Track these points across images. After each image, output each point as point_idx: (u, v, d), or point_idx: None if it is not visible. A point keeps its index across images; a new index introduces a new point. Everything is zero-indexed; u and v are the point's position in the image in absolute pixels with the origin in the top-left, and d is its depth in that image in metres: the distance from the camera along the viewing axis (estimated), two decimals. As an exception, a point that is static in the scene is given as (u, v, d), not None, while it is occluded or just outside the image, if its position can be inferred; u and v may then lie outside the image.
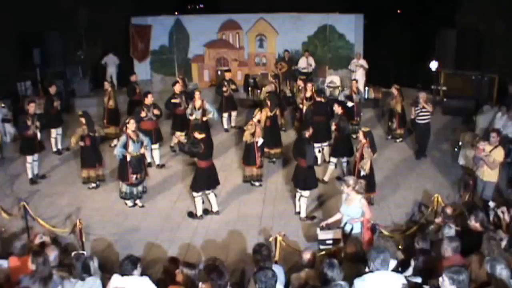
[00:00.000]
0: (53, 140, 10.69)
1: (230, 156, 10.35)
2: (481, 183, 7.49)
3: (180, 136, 9.73)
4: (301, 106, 10.56)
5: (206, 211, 7.90)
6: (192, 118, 9.71)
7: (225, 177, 9.26)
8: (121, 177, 7.97)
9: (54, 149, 10.72)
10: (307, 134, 7.62)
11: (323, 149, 9.75)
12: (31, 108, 9.05)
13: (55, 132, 10.69)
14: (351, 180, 6.00)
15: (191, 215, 7.85)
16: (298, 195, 7.82)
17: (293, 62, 13.96)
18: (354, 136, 10.84)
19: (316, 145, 9.01)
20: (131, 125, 7.80)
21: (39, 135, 9.18)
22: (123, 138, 7.76)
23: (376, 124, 12.15)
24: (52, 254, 4.92)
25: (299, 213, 7.85)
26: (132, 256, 4.51)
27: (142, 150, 7.97)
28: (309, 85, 10.59)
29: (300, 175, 7.65)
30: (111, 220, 7.82)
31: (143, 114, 9.20)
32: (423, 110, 9.78)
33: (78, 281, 4.49)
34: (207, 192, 7.78)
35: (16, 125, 10.21)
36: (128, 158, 7.75)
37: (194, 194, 7.71)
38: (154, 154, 9.73)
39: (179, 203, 8.35)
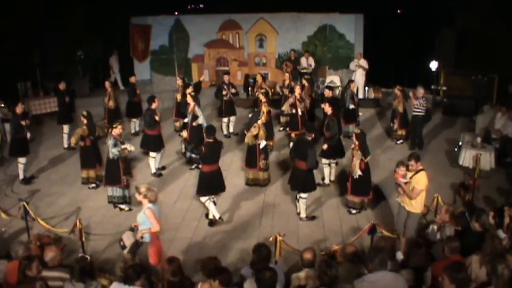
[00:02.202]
0: (65, 136, 10.82)
1: (230, 156, 10.35)
2: (403, 210, 6.60)
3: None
4: (294, 110, 10.19)
5: (211, 222, 7.70)
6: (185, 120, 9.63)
7: (224, 176, 9.24)
8: (113, 181, 7.80)
9: (65, 145, 10.85)
10: (310, 137, 7.58)
11: None
12: (19, 108, 9.07)
13: (67, 128, 10.84)
14: (142, 187, 5.73)
15: (212, 223, 7.60)
16: (298, 196, 7.81)
17: (297, 62, 13.96)
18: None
19: None
20: (118, 130, 7.69)
21: (28, 135, 9.21)
22: (112, 139, 7.61)
23: (376, 124, 12.15)
24: (52, 254, 4.92)
25: (299, 213, 7.85)
26: (138, 265, 4.45)
27: (127, 152, 7.84)
28: (297, 87, 10.40)
29: (299, 177, 7.61)
30: (111, 220, 7.82)
31: (157, 118, 9.13)
32: (415, 104, 10.29)
33: (80, 284, 4.45)
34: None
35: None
36: (129, 148, 7.71)
37: (202, 199, 7.54)
38: (150, 162, 9.48)
39: (179, 203, 8.35)
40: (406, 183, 6.32)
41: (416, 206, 6.42)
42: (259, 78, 11.46)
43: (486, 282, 4.28)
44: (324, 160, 8.83)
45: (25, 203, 7.09)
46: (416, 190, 6.27)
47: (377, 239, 6.22)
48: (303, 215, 7.75)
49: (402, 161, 6.58)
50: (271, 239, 6.25)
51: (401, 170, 6.39)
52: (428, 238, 5.90)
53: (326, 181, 8.91)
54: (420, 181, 6.26)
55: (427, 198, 6.63)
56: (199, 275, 5.38)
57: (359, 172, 7.49)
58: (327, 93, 10.47)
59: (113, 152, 7.61)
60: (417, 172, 6.30)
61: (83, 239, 6.67)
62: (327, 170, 8.92)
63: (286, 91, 11.39)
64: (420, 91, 10.28)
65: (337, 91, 13.40)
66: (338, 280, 4.15)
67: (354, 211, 7.87)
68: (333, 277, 4.09)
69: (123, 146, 7.63)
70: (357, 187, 7.67)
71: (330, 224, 7.60)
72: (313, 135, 7.68)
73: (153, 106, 9.14)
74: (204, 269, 4.59)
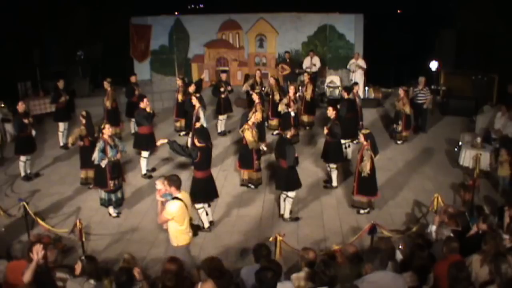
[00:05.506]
0: (60, 134, 10.83)
1: (230, 156, 10.35)
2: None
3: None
4: (290, 109, 10.08)
5: (197, 227, 7.48)
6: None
7: (225, 177, 9.27)
8: (100, 184, 7.74)
9: (61, 144, 10.87)
10: (288, 134, 7.62)
11: (349, 146, 9.76)
12: (21, 107, 9.08)
13: (63, 126, 10.83)
14: None
15: (198, 228, 7.44)
16: (282, 197, 7.74)
17: (295, 64, 13.93)
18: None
19: (343, 141, 9.25)
20: (107, 130, 7.60)
21: (34, 133, 9.19)
22: (100, 143, 7.52)
23: (377, 124, 12.13)
24: (50, 255, 4.91)
25: (283, 215, 7.78)
26: (128, 269, 4.38)
27: (118, 156, 7.71)
28: (291, 88, 10.39)
29: (281, 176, 7.61)
30: (111, 220, 7.82)
31: (149, 109, 9.11)
32: (421, 91, 11.26)
33: (88, 284, 4.42)
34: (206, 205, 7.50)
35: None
36: (105, 164, 7.48)
37: (197, 206, 7.37)
38: (142, 162, 9.40)
39: (179, 203, 8.34)
40: (162, 203, 5.56)
41: (172, 237, 5.56)
42: (272, 82, 11.41)
43: (488, 281, 4.29)
44: (332, 165, 8.80)
45: (25, 203, 7.09)
46: (161, 217, 5.49)
47: (376, 239, 6.21)
48: (286, 215, 7.72)
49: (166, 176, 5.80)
50: (271, 239, 6.27)
51: (158, 186, 5.71)
52: (428, 239, 5.91)
53: (334, 184, 8.87)
54: (168, 208, 5.38)
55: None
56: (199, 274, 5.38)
57: (367, 171, 7.47)
58: (344, 94, 10.14)
59: (97, 155, 7.49)
60: (173, 198, 5.49)
61: (83, 239, 6.67)
62: (335, 174, 8.85)
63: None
64: (422, 80, 11.32)
65: (337, 91, 13.40)
66: (337, 279, 4.14)
67: (362, 211, 7.83)
68: (331, 277, 4.08)
69: (102, 162, 7.47)
70: (364, 187, 7.65)
71: (330, 224, 7.60)
72: (292, 132, 7.70)
73: (141, 105, 9.11)
74: (206, 268, 4.59)
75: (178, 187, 5.56)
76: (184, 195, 5.66)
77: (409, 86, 11.71)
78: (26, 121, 8.95)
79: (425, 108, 11.45)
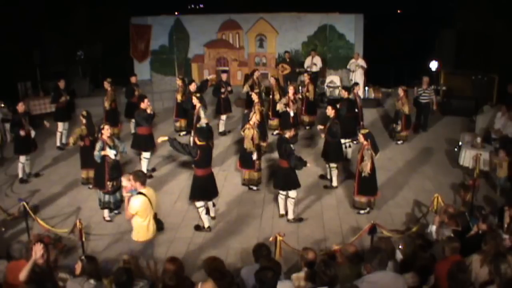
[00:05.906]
0: (58, 134, 10.84)
1: (230, 156, 10.35)
2: None
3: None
4: (288, 109, 10.02)
5: (197, 227, 7.54)
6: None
7: (225, 177, 9.27)
8: (98, 185, 7.69)
9: (58, 144, 10.85)
10: (287, 134, 7.62)
11: (349, 146, 9.76)
12: (21, 107, 9.09)
13: (62, 126, 10.82)
14: None
15: (198, 228, 7.52)
16: (281, 197, 7.75)
17: (295, 64, 13.93)
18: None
19: (344, 140, 9.29)
20: (106, 131, 7.55)
21: (33, 133, 9.18)
22: (99, 143, 7.51)
23: (377, 124, 12.14)
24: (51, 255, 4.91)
25: (283, 215, 7.79)
26: (127, 269, 4.40)
27: (118, 156, 7.65)
28: (291, 88, 10.42)
29: (280, 175, 7.63)
30: (111, 220, 7.81)
31: (149, 111, 9.07)
32: (426, 91, 11.38)
33: (89, 283, 4.42)
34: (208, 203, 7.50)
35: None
36: (114, 154, 7.47)
37: (197, 204, 7.39)
38: (143, 162, 9.30)
39: (179, 203, 8.35)
40: (129, 199, 5.58)
41: (134, 231, 5.63)
42: (272, 81, 11.41)
43: (488, 282, 4.29)
44: (332, 164, 8.79)
45: (25, 203, 7.08)
46: (127, 213, 5.57)
47: (376, 239, 6.21)
48: (290, 216, 7.71)
49: (135, 172, 5.80)
50: (271, 239, 6.26)
51: (125, 182, 5.81)
52: (428, 239, 5.91)
53: (334, 183, 8.86)
54: (131, 203, 5.45)
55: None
56: (199, 274, 5.39)
57: (368, 171, 7.46)
58: (344, 94, 10.16)
59: (97, 155, 7.47)
60: (138, 193, 5.53)
61: (83, 239, 6.66)
62: (335, 173, 8.84)
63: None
64: (426, 79, 11.44)
65: (337, 91, 13.40)
66: (337, 279, 4.15)
67: (362, 211, 7.83)
68: (331, 276, 4.09)
69: (103, 152, 7.43)
70: (364, 187, 7.64)
71: (330, 224, 7.60)
72: (292, 132, 7.74)
73: (142, 106, 9.07)
74: (206, 268, 4.59)
75: (143, 183, 5.64)
76: (149, 191, 5.68)
77: (413, 86, 11.83)
78: (23, 120, 8.94)
79: (434, 109, 11.75)
